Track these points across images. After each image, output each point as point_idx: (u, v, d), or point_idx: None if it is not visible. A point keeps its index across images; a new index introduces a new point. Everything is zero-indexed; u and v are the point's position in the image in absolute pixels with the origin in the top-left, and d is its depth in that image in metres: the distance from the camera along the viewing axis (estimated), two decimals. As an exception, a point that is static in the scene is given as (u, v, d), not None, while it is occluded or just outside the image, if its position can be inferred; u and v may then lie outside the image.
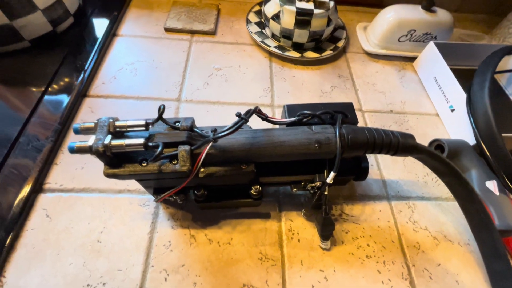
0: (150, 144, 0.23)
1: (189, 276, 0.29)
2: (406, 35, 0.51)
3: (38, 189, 0.33)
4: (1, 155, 0.34)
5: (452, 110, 0.44)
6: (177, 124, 0.26)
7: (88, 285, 0.28)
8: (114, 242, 0.31)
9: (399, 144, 0.28)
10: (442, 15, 0.50)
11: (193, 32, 0.53)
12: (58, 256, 0.29)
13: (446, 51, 0.47)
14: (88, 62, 0.45)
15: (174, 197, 0.29)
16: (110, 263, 0.29)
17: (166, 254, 0.30)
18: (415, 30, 0.50)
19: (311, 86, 0.48)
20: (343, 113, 0.30)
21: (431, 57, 0.49)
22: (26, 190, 0.32)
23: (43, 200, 0.33)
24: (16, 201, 0.31)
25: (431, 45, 0.48)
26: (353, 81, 0.50)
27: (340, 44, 0.53)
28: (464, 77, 0.45)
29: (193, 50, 0.50)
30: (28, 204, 0.32)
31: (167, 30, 0.52)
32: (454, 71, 0.44)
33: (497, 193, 0.34)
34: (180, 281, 0.29)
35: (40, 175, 0.34)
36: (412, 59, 0.54)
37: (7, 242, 0.29)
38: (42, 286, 0.28)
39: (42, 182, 0.34)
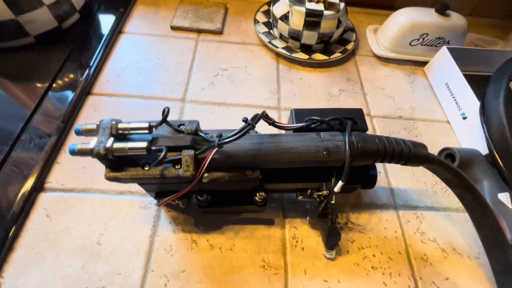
0: (153, 148, 0.23)
1: (190, 282, 0.29)
2: (418, 39, 0.50)
3: (39, 188, 0.33)
4: (2, 152, 0.33)
5: (464, 118, 0.42)
6: (181, 127, 0.25)
7: (86, 288, 0.28)
8: (114, 244, 0.30)
9: (411, 154, 0.27)
10: (456, 19, 0.49)
11: (199, 31, 0.52)
12: (57, 257, 0.29)
13: (459, 56, 0.46)
14: (93, 59, 0.44)
15: (177, 201, 0.28)
16: (109, 266, 0.29)
17: (166, 258, 0.30)
18: (427, 34, 0.49)
19: (318, 89, 0.47)
20: (352, 120, 0.29)
21: (443, 62, 0.48)
22: (26, 188, 0.32)
23: (43, 199, 0.32)
24: (17, 200, 0.31)
25: (444, 50, 0.47)
26: (361, 85, 0.49)
27: (350, 46, 0.52)
28: (477, 83, 0.44)
29: (199, 49, 0.50)
30: (29, 203, 0.31)
31: (174, 28, 0.52)
32: (467, 77, 0.43)
33: (510, 206, 0.33)
34: (180, 287, 0.28)
35: (42, 174, 0.33)
36: (423, 63, 0.52)
37: (6, 242, 0.29)
38: (40, 287, 0.27)
39: (43, 181, 0.33)
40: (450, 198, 0.37)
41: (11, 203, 0.30)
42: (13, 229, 0.29)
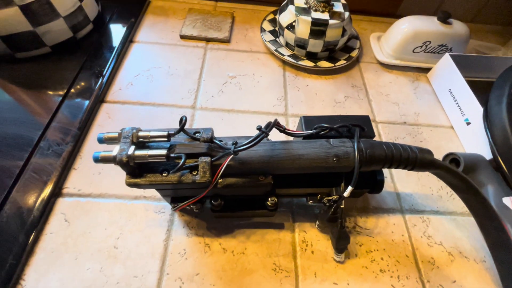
0: (172, 155, 0.24)
1: (204, 285, 0.30)
2: (421, 46, 0.51)
3: (57, 193, 0.34)
4: (22, 159, 0.35)
5: (468, 123, 0.43)
6: (196, 134, 0.26)
7: (104, 290, 0.28)
8: (130, 248, 0.31)
9: (417, 160, 0.27)
10: (458, 27, 0.50)
11: (208, 40, 0.54)
12: (76, 260, 0.30)
13: (461, 63, 0.47)
14: (106, 68, 0.46)
15: (191, 206, 0.30)
16: (126, 269, 0.30)
17: (181, 262, 0.31)
18: (430, 42, 0.50)
19: (324, 95, 0.48)
20: (360, 127, 0.30)
21: (446, 69, 0.49)
22: (46, 194, 0.33)
23: (62, 204, 0.33)
24: (36, 205, 0.32)
25: (447, 57, 0.48)
26: (366, 91, 0.50)
27: (354, 54, 0.53)
28: (480, 89, 0.45)
29: (208, 57, 0.51)
30: (48, 208, 0.32)
31: (183, 37, 0.53)
32: (469, 83, 0.44)
33: (515, 210, 0.34)
34: (194, 290, 0.29)
35: (59, 180, 0.34)
36: (426, 70, 0.54)
37: (27, 245, 0.30)
38: (60, 290, 0.28)
39: (61, 186, 0.34)
40: (455, 202, 0.38)
41: (31, 208, 0.32)
42: (33, 233, 0.30)
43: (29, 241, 0.30)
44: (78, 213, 0.33)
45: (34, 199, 0.32)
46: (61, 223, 0.32)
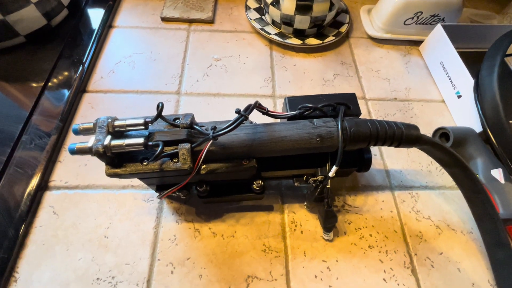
0: (150, 143, 0.23)
1: (195, 269, 0.30)
2: (412, 18, 0.49)
3: (44, 186, 0.34)
4: (5, 154, 0.34)
5: (459, 97, 0.43)
6: (176, 121, 0.26)
7: (98, 278, 0.29)
8: (120, 237, 0.31)
9: (403, 136, 0.27)
10: (451, -5, 0.48)
11: (190, 21, 0.51)
12: (68, 251, 0.30)
13: (454, 33, 0.45)
14: (85, 55, 0.44)
15: (177, 193, 0.29)
16: (117, 258, 0.30)
17: (171, 248, 0.31)
18: (421, 12, 0.48)
19: (313, 74, 0.47)
20: (345, 105, 0.29)
21: (438, 41, 0.47)
22: (32, 188, 0.33)
23: (49, 197, 0.33)
24: (23, 199, 0.32)
25: (439, 27, 0.46)
26: (356, 68, 0.48)
27: (343, 29, 0.51)
28: (474, 60, 0.43)
29: (191, 40, 0.49)
30: (35, 201, 0.32)
31: (164, 19, 0.51)
32: (463, 54, 0.43)
33: (503, 181, 0.34)
34: (186, 274, 0.30)
35: (45, 173, 0.34)
36: (418, 43, 0.52)
37: (18, 239, 0.30)
38: (54, 280, 0.29)
39: (47, 179, 0.34)
40: (444, 177, 0.38)
41: (18, 202, 0.32)
42: (22, 227, 0.31)
43: (19, 235, 0.30)
44: (67, 205, 0.33)
45: (20, 194, 0.32)
46: (50, 216, 0.32)
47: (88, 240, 0.31)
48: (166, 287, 0.29)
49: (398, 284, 0.31)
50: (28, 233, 0.31)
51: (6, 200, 0.32)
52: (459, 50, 0.43)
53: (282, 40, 0.49)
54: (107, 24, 0.49)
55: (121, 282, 0.29)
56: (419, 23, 0.50)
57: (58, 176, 0.35)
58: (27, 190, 0.32)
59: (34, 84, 0.41)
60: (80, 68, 0.43)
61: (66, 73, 0.42)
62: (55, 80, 0.42)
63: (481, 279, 0.31)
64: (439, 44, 0.47)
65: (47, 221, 0.32)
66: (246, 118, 0.24)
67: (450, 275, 0.31)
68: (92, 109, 0.40)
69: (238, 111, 0.24)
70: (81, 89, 0.42)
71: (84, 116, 0.40)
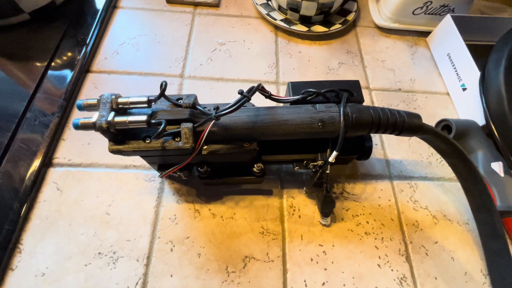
0: (153, 121, 0.23)
1: (194, 247, 0.31)
2: (422, 7, 0.48)
3: (47, 163, 0.34)
4: (10, 130, 0.35)
5: (464, 89, 0.42)
6: (179, 101, 0.26)
7: (99, 253, 0.30)
8: (122, 214, 0.32)
9: (405, 124, 0.27)
10: (463, -16, 0.47)
11: (196, 4, 0.51)
12: (71, 226, 0.31)
13: (464, 25, 0.44)
14: (89, 36, 0.44)
15: (178, 173, 0.30)
16: (119, 234, 0.31)
17: (171, 226, 0.32)
18: (431, 2, 0.47)
19: (317, 62, 0.47)
20: (348, 91, 0.29)
21: (446, 32, 0.46)
22: (36, 164, 0.33)
23: (53, 174, 0.34)
24: (28, 175, 0.32)
25: (448, 18, 0.45)
26: (361, 58, 0.48)
27: (350, 17, 0.50)
28: (481, 53, 0.43)
29: (196, 23, 0.49)
30: (39, 177, 0.33)
31: (169, 2, 0.50)
32: (472, 47, 0.42)
33: (502, 174, 0.34)
34: (185, 252, 0.31)
35: (49, 150, 0.35)
36: (426, 34, 0.51)
37: (22, 212, 0.31)
38: (57, 252, 0.30)
39: (51, 157, 0.35)
40: (444, 168, 0.38)
41: (23, 177, 0.32)
42: (27, 201, 0.31)
43: (23, 208, 0.31)
44: (70, 182, 0.34)
45: (25, 169, 0.33)
46: (53, 191, 0.33)
47: (91, 216, 0.32)
48: (165, 264, 0.30)
49: (392, 270, 0.31)
50: (32, 207, 0.32)
51: (11, 174, 0.32)
52: (467, 42, 0.42)
53: (287, 26, 0.48)
54: (111, 4, 0.48)
55: (122, 257, 0.30)
56: (428, 13, 0.49)
57: (62, 153, 0.35)
58: (32, 166, 0.33)
59: (38, 63, 0.41)
60: (84, 48, 0.43)
61: (69, 53, 0.42)
62: (58, 60, 0.42)
63: (473, 268, 0.32)
64: (447, 36, 0.46)
65: (50, 196, 0.32)
66: (249, 100, 0.24)
67: (444, 264, 0.32)
68: (95, 89, 0.40)
69: (241, 92, 0.24)
70: (84, 69, 0.42)
71: (87, 96, 0.40)
